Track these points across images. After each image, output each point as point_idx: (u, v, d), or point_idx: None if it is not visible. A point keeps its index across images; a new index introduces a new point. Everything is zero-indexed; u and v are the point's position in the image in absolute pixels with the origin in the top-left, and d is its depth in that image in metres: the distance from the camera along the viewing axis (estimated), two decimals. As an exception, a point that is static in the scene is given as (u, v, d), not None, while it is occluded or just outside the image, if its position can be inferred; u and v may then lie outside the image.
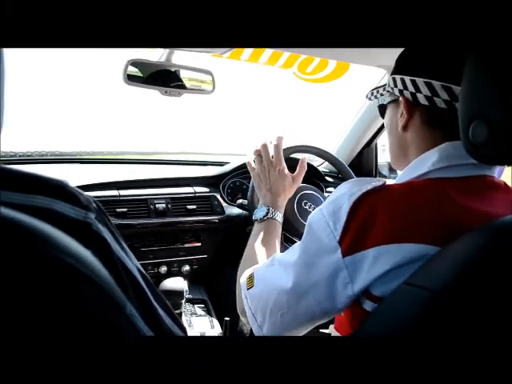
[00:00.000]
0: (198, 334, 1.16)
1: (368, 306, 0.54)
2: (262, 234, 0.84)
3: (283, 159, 0.94)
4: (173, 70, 1.13)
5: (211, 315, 1.28)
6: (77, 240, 0.30)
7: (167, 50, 1.09)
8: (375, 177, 1.71)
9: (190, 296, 1.31)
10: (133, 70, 1.08)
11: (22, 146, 1.44)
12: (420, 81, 0.59)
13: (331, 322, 0.70)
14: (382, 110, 0.71)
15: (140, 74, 1.10)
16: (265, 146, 0.94)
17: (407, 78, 0.61)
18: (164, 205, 1.28)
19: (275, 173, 0.92)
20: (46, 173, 0.34)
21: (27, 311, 0.25)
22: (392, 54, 0.65)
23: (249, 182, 1.18)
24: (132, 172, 1.43)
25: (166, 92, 1.12)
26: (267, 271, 0.65)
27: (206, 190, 1.38)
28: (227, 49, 1.02)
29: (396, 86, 0.63)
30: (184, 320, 1.21)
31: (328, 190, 1.47)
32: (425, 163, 0.59)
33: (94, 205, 0.35)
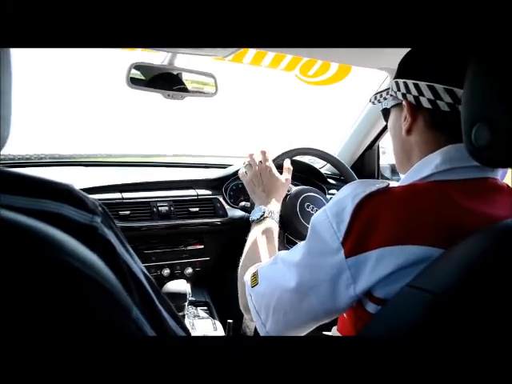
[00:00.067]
0: (201, 337, 1.16)
1: (371, 307, 0.55)
2: (260, 232, 0.87)
3: (272, 163, 1.03)
4: (175, 73, 1.14)
5: (214, 318, 1.28)
6: (83, 243, 0.30)
7: (170, 54, 1.10)
8: (377, 179, 1.71)
9: (193, 298, 1.32)
10: (136, 73, 1.09)
11: (22, 148, 1.44)
12: (423, 84, 0.60)
13: (334, 324, 0.70)
14: (386, 113, 0.72)
15: (143, 77, 1.11)
16: (251, 155, 1.04)
17: (410, 82, 0.61)
18: (167, 207, 1.29)
19: (267, 173, 1.00)
20: (50, 176, 0.34)
21: (34, 314, 0.25)
22: (393, 57, 0.65)
23: None
24: (135, 175, 1.43)
25: (168, 95, 1.12)
26: (271, 269, 0.66)
27: (209, 192, 1.39)
28: (230, 52, 1.02)
29: (399, 89, 0.64)
30: (187, 322, 1.21)
31: (330, 192, 1.47)
32: (428, 166, 0.59)
33: (100, 208, 0.35)
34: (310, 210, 1.17)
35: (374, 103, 0.74)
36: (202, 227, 1.33)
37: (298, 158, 1.37)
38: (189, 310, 1.27)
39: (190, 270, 1.34)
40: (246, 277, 0.71)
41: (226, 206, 1.38)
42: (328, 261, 0.55)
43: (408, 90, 0.62)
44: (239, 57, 1.65)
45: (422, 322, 0.44)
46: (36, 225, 0.27)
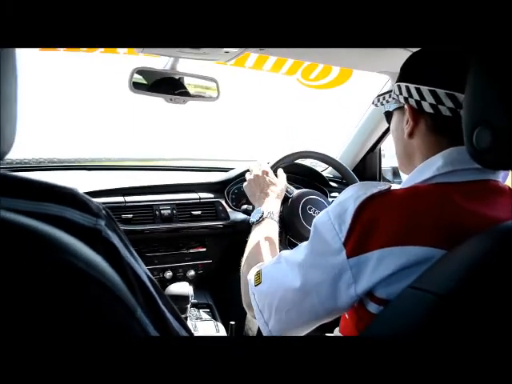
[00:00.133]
0: (204, 340, 1.16)
1: (372, 308, 0.55)
2: (261, 233, 0.88)
3: (270, 169, 1.09)
4: (177, 77, 1.15)
5: (216, 320, 1.28)
6: (87, 245, 0.30)
7: (172, 58, 1.10)
8: (379, 182, 1.71)
9: (196, 301, 1.32)
10: (138, 78, 1.10)
11: (22, 152, 1.45)
12: (425, 89, 0.60)
13: (336, 325, 0.70)
14: (388, 116, 0.72)
15: (145, 82, 1.11)
16: (250, 166, 1.13)
17: (412, 86, 0.62)
18: (169, 211, 1.29)
19: (264, 177, 1.05)
20: (52, 180, 0.34)
21: (37, 314, 0.25)
22: (394, 60, 0.66)
23: None
24: (137, 178, 1.44)
25: (170, 99, 1.13)
26: (274, 269, 0.66)
27: (211, 195, 1.39)
28: (231, 56, 1.03)
29: (401, 93, 0.64)
30: (189, 324, 1.21)
31: (332, 195, 1.47)
32: (430, 168, 0.60)
33: (104, 212, 0.36)
34: (311, 212, 1.17)
35: (376, 105, 0.74)
36: (204, 230, 1.34)
37: (299, 161, 1.37)
38: (191, 312, 1.27)
39: (192, 273, 1.34)
40: (249, 276, 0.72)
41: (228, 209, 1.38)
42: (330, 261, 0.56)
43: (410, 94, 0.62)
44: (241, 61, 1.66)
45: (424, 323, 0.44)
46: (38, 226, 0.27)
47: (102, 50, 1.65)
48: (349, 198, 0.57)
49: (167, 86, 1.13)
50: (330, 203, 1.19)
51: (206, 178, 1.46)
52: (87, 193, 0.35)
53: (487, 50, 0.47)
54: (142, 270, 0.38)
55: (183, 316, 1.11)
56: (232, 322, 1.10)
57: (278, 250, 0.84)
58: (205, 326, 1.24)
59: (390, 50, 0.95)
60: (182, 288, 1.11)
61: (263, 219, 0.92)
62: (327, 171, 1.68)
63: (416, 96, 0.61)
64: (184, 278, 1.32)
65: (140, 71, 1.09)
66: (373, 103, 0.75)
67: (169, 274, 1.30)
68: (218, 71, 1.27)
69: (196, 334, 1.18)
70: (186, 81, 1.17)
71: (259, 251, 0.81)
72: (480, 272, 0.45)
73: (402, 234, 0.52)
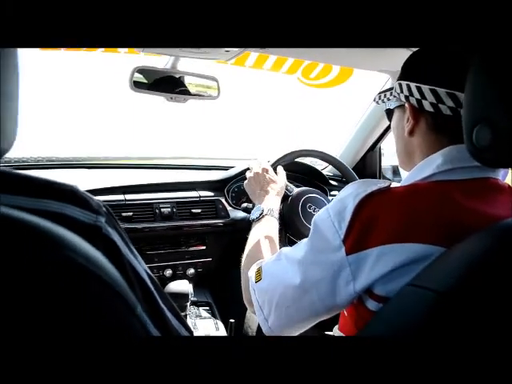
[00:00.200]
0: (203, 337, 1.17)
1: (371, 305, 0.55)
2: (261, 229, 0.89)
3: (270, 167, 1.11)
4: (178, 76, 1.15)
5: (216, 317, 1.28)
6: (87, 242, 0.30)
7: (172, 58, 1.10)
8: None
9: (195, 299, 1.32)
10: (139, 77, 1.10)
11: (21, 151, 1.45)
12: (425, 88, 0.60)
13: (335, 323, 0.71)
14: (389, 114, 0.73)
15: (146, 81, 1.11)
16: (250, 164, 1.14)
17: (413, 85, 0.62)
18: (169, 209, 1.29)
19: (264, 174, 1.07)
20: (53, 178, 0.34)
21: (37, 309, 0.25)
22: (394, 59, 0.66)
23: None
24: (137, 176, 1.43)
25: (171, 98, 1.13)
26: (274, 266, 0.67)
27: (211, 194, 1.39)
28: (232, 55, 1.03)
29: (402, 91, 0.64)
30: (189, 322, 1.21)
31: (332, 193, 1.47)
32: (429, 166, 0.60)
33: (104, 209, 0.36)
34: (311, 210, 1.18)
35: (377, 103, 0.74)
36: (204, 228, 1.34)
37: (300, 159, 1.37)
38: (191, 310, 1.27)
39: (192, 271, 1.34)
40: (250, 272, 0.72)
41: (228, 208, 1.38)
42: (329, 258, 0.56)
43: (411, 93, 0.62)
44: (241, 60, 1.66)
45: (424, 321, 0.44)
46: (38, 221, 0.28)
47: (103, 49, 1.65)
48: (348, 196, 0.57)
49: (168, 84, 1.13)
50: (329, 201, 1.19)
51: (206, 177, 1.46)
52: (87, 191, 0.35)
53: (487, 50, 0.47)
54: (141, 267, 0.38)
55: (183, 314, 1.11)
56: (231, 320, 1.10)
57: (278, 246, 0.84)
58: (204, 323, 1.24)
59: (390, 49, 0.95)
60: (181, 286, 1.11)
61: (263, 216, 0.93)
62: (327, 169, 1.68)
63: (417, 95, 0.61)
64: (184, 276, 1.32)
65: (141, 70, 1.09)
66: (374, 100, 0.75)
67: (169, 272, 1.30)
68: (218, 70, 1.27)
69: (195, 331, 1.18)
70: (187, 80, 1.17)
71: (259, 248, 0.82)
72: (480, 269, 0.45)
73: (402, 231, 0.52)
